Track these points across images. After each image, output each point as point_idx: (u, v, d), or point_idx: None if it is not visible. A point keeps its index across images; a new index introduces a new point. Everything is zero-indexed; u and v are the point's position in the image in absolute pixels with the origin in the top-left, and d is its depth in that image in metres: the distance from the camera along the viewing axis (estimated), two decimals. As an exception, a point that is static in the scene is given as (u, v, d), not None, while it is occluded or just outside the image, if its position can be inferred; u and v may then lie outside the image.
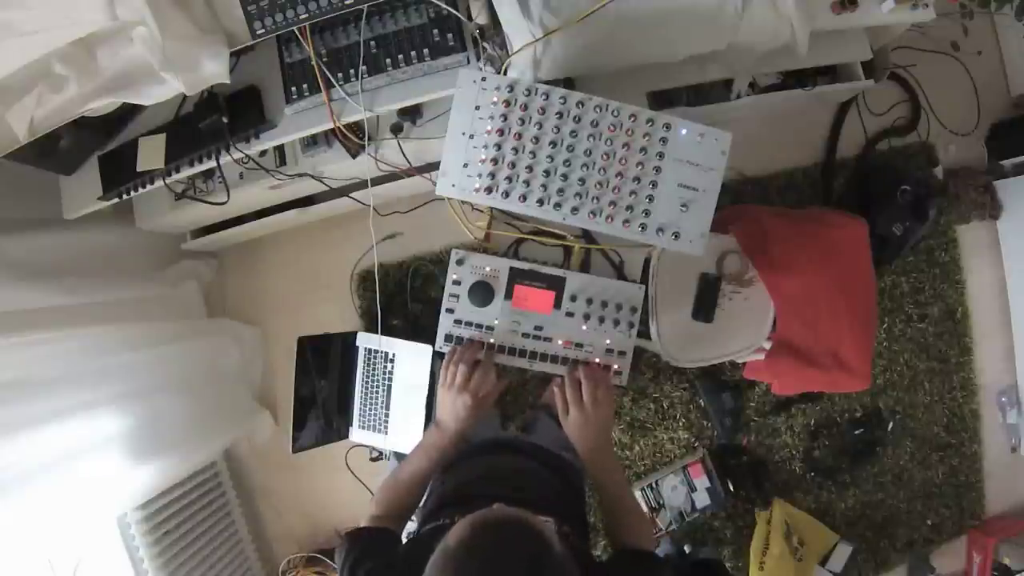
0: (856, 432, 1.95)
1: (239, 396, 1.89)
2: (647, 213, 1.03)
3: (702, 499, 1.87)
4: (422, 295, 1.88)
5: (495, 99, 1.01)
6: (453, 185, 1.03)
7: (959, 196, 1.96)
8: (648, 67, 1.35)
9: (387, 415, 1.74)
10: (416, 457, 0.99)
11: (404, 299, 1.87)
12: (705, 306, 1.39)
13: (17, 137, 1.15)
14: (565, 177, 1.02)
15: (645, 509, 1.87)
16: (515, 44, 1.14)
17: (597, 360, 1.13)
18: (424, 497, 1.00)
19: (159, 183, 1.38)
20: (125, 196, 1.41)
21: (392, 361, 1.73)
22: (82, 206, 1.44)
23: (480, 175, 1.02)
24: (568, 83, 1.30)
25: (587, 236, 1.21)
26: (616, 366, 1.12)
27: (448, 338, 1.11)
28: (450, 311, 1.11)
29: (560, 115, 1.01)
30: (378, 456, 1.82)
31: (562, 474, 1.04)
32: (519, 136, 1.01)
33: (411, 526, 0.99)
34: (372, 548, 0.84)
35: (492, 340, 1.10)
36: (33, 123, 1.14)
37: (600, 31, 1.14)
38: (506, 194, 1.02)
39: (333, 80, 1.22)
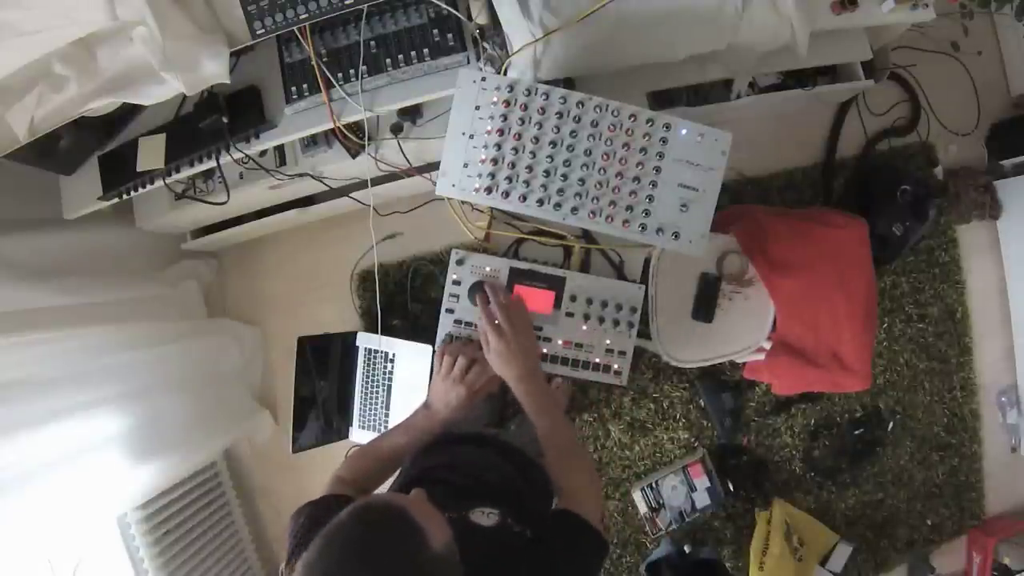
0: (856, 432, 1.95)
1: (239, 396, 1.89)
2: (647, 213, 1.03)
3: (702, 499, 1.87)
4: (422, 295, 1.88)
5: (495, 99, 1.01)
6: (453, 185, 1.03)
7: (959, 196, 1.96)
8: (648, 67, 1.35)
9: (387, 415, 1.74)
10: (398, 432, 1.01)
11: (404, 299, 1.87)
12: (705, 306, 1.39)
13: (17, 137, 1.15)
14: (565, 177, 1.02)
15: (645, 509, 1.87)
16: (515, 44, 1.14)
17: (597, 360, 1.13)
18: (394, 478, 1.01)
19: (159, 183, 1.38)
20: (125, 196, 1.41)
21: (392, 361, 1.73)
22: (82, 206, 1.44)
23: (480, 175, 1.02)
24: (568, 83, 1.30)
25: (587, 236, 1.20)
26: (616, 366, 1.12)
27: (448, 338, 1.12)
28: (450, 311, 1.11)
29: (560, 115, 1.01)
30: (378, 456, 1.81)
31: (526, 473, 1.02)
32: (519, 136, 1.01)
33: None
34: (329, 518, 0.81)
35: None
36: (33, 123, 1.14)
37: (600, 31, 1.14)
38: (506, 194, 1.02)
39: (333, 80, 1.22)
